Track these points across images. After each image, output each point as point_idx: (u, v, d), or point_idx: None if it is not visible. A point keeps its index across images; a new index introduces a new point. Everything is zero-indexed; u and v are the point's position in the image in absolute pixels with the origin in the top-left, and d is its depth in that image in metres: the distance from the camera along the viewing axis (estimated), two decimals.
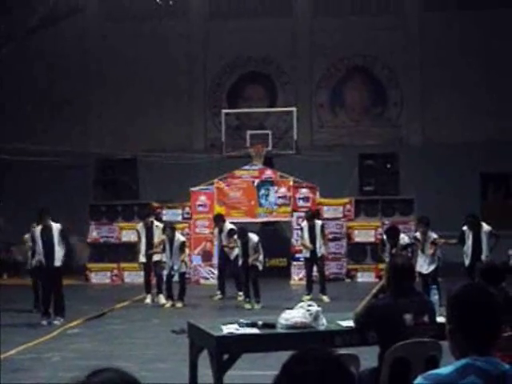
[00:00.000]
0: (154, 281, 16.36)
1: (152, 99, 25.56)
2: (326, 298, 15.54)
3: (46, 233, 13.00)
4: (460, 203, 21.08)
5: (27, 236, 14.51)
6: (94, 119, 26.19)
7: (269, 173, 20.18)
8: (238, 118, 24.71)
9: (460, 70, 24.81)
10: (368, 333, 6.15)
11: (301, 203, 19.76)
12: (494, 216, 19.89)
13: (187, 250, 16.50)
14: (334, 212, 20.00)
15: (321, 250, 15.99)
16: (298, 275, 19.14)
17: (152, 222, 16.45)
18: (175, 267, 15.33)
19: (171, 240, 15.31)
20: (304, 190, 19.96)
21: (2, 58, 22.36)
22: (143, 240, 16.32)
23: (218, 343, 6.47)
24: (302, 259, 17.38)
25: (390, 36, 25.34)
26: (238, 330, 6.70)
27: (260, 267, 15.02)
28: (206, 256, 19.70)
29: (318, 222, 16.16)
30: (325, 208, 19.88)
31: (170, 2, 24.67)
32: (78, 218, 20.88)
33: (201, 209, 19.95)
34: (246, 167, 20.24)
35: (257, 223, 19.71)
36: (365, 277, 19.59)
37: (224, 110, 23.11)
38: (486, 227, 14.44)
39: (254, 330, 6.69)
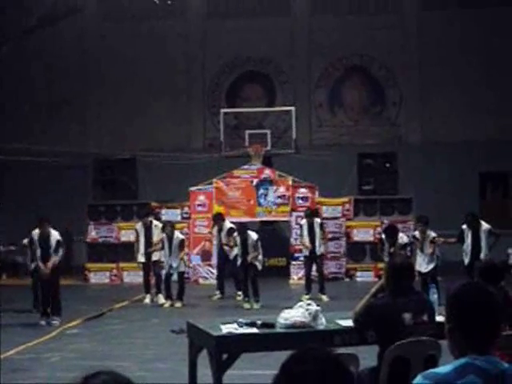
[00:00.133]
0: (153, 281, 16.36)
1: (150, 99, 25.55)
2: (325, 298, 15.54)
3: (44, 238, 13.14)
4: (459, 202, 21.09)
5: (25, 241, 14.49)
6: (93, 119, 26.18)
7: (268, 172, 20.18)
8: (237, 117, 24.70)
9: (459, 68, 24.80)
10: (367, 332, 6.15)
11: (300, 202, 19.76)
12: (493, 215, 19.91)
13: (186, 249, 16.49)
14: (332, 211, 20.00)
15: (320, 249, 16.01)
16: (297, 275, 19.15)
17: (151, 222, 16.45)
18: (174, 265, 15.33)
19: (170, 238, 15.33)
20: (303, 190, 19.96)
21: (1, 58, 22.35)
22: (142, 240, 16.32)
23: (218, 343, 6.47)
24: (302, 258, 17.40)
25: (389, 35, 25.33)
26: (237, 329, 6.70)
27: (259, 267, 15.03)
28: (205, 256, 19.70)
29: (317, 220, 16.17)
30: (324, 207, 19.87)
31: (169, 2, 24.66)
32: (77, 217, 20.89)
33: (200, 208, 19.95)
34: (245, 167, 20.25)
35: (256, 223, 19.71)
36: (364, 276, 19.59)
37: (223, 110, 23.10)
38: (485, 226, 14.43)
39: (253, 330, 6.69)
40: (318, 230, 15.91)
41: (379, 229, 18.97)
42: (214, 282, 17.53)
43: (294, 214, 19.58)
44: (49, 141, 22.54)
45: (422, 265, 14.28)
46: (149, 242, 16.19)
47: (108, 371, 2.17)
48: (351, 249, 20.11)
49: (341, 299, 15.20)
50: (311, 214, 16.36)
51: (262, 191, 19.86)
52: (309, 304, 6.79)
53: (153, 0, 24.38)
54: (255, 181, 19.93)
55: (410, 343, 5.56)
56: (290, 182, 19.95)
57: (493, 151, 23.49)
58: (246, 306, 14.83)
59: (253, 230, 15.71)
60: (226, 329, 6.70)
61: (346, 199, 20.31)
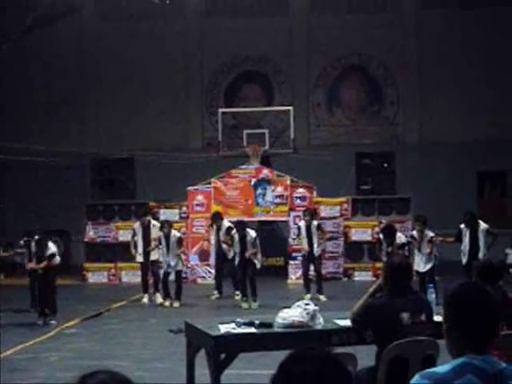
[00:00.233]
0: (151, 280, 16.35)
1: (149, 99, 25.54)
2: (322, 297, 15.54)
3: (42, 247, 13.37)
4: (457, 202, 21.08)
5: (22, 242, 14.57)
6: (91, 119, 26.17)
7: (266, 172, 20.17)
8: (235, 117, 24.69)
9: (458, 67, 24.80)
10: (365, 332, 6.16)
11: (298, 202, 19.75)
12: (491, 214, 19.92)
13: (183, 248, 16.47)
14: (330, 211, 19.99)
15: (318, 250, 16.01)
16: (295, 274, 19.14)
17: (149, 221, 16.45)
18: (172, 264, 15.33)
19: (167, 236, 15.33)
20: (301, 189, 19.95)
21: (0, 58, 22.33)
22: (140, 239, 16.32)
23: (216, 342, 6.47)
24: (299, 258, 17.40)
25: (388, 34, 25.32)
26: (235, 329, 6.71)
27: (258, 265, 15.02)
28: (203, 255, 19.69)
29: (314, 223, 16.14)
30: (322, 207, 19.86)
31: (167, 1, 24.63)
32: (75, 217, 20.88)
33: (198, 208, 19.94)
34: (243, 166, 20.24)
35: (254, 222, 19.68)
36: (362, 276, 19.58)
37: (221, 109, 23.09)
38: (483, 225, 14.44)
39: (251, 330, 6.69)
40: (315, 231, 15.91)
41: (377, 228, 18.96)
42: (212, 281, 17.53)
43: (292, 213, 19.58)
44: (47, 140, 22.52)
45: (420, 264, 14.29)
46: (147, 242, 16.19)
47: (106, 370, 2.18)
48: (349, 248, 20.09)
49: (339, 299, 15.20)
50: (310, 214, 16.35)
51: (260, 191, 19.85)
52: (307, 304, 6.79)
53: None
54: (253, 180, 19.92)
55: (408, 343, 5.56)
56: (288, 182, 19.94)
57: (491, 151, 23.50)
58: (244, 305, 14.82)
59: (251, 229, 15.72)
60: (224, 328, 6.71)
61: (343, 199, 20.30)
